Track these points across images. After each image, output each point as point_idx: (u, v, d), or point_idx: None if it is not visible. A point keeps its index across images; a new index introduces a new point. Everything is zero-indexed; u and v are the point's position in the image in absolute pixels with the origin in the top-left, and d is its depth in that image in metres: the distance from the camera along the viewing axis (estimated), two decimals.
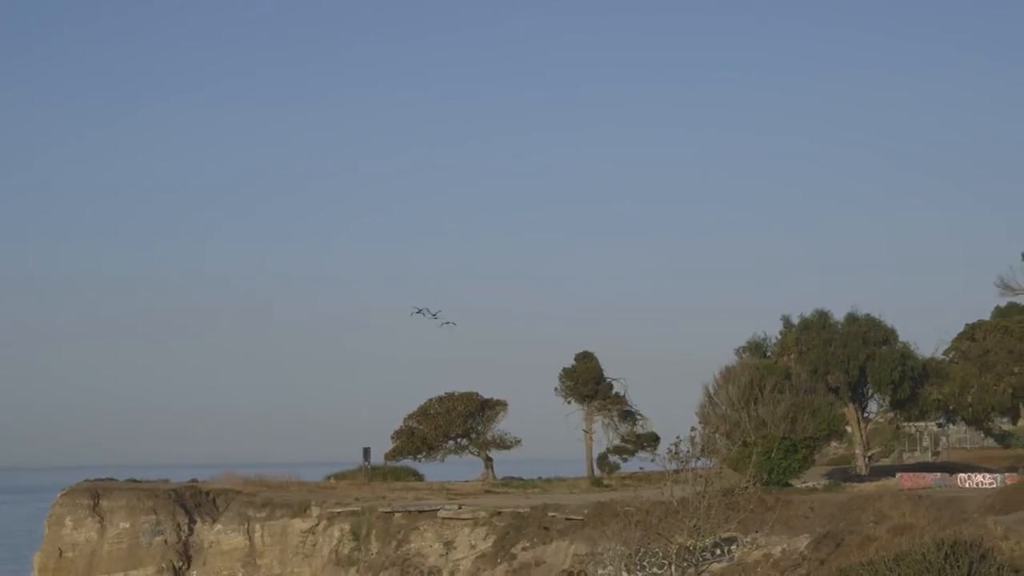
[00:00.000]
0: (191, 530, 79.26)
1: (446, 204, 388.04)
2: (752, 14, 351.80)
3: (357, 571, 73.13)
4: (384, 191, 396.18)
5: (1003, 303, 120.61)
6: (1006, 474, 71.12)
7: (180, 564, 78.13)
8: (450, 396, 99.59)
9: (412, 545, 71.75)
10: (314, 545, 76.01)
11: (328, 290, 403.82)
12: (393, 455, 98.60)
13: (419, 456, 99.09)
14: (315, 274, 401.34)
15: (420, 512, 73.08)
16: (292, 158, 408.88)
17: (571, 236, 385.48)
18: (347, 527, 74.59)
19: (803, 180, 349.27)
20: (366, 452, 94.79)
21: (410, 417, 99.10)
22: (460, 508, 72.33)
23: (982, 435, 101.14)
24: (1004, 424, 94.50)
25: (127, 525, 78.90)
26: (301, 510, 77.91)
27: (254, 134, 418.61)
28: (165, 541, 78.08)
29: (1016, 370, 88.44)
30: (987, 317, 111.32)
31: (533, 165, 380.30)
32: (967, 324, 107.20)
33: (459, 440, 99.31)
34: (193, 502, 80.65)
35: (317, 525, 76.39)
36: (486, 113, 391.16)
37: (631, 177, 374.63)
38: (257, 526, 78.32)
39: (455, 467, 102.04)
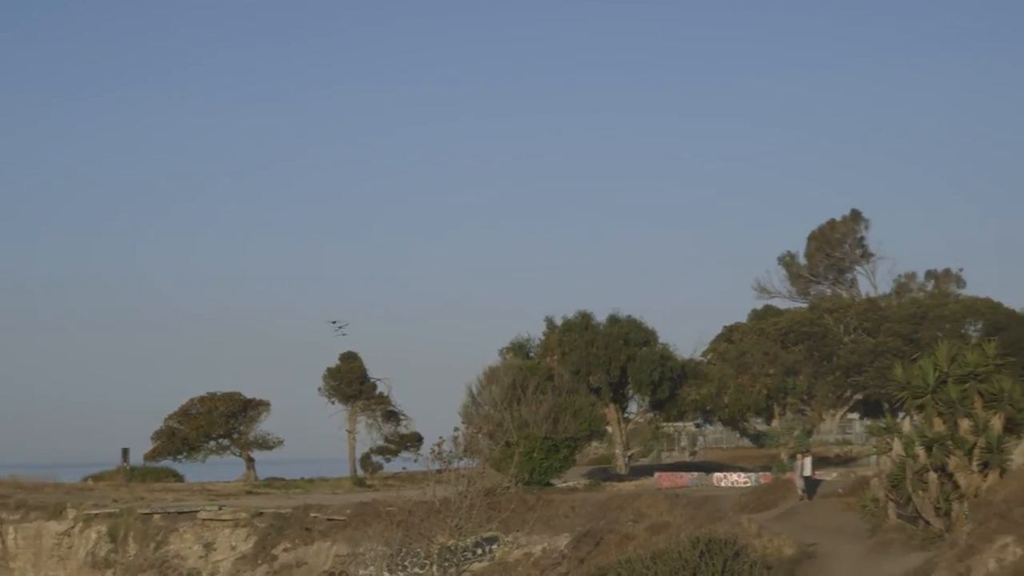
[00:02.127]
0: None
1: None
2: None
3: (114, 573, 71.66)
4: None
5: (759, 306, 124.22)
6: (760, 473, 72.82)
7: None
8: (212, 396, 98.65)
9: (171, 547, 70.65)
10: (70, 548, 74.28)
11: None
12: (153, 456, 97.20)
13: (179, 457, 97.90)
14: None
15: (180, 513, 72.01)
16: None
17: (340, 233, 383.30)
18: (104, 529, 73.09)
19: (564, 183, 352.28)
20: (125, 453, 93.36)
21: (171, 417, 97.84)
22: (220, 509, 71.50)
23: (738, 435, 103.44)
24: (759, 424, 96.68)
25: None
26: (57, 512, 75.99)
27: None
28: None
29: (771, 371, 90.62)
30: (744, 319, 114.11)
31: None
32: (725, 326, 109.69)
33: (220, 440, 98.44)
34: None
35: (73, 527, 74.67)
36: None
37: (397, 174, 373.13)
38: (10, 529, 76.12)
39: (216, 468, 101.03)
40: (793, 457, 62.76)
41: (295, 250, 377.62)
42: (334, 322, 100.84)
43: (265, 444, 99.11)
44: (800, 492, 55.93)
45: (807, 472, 56.74)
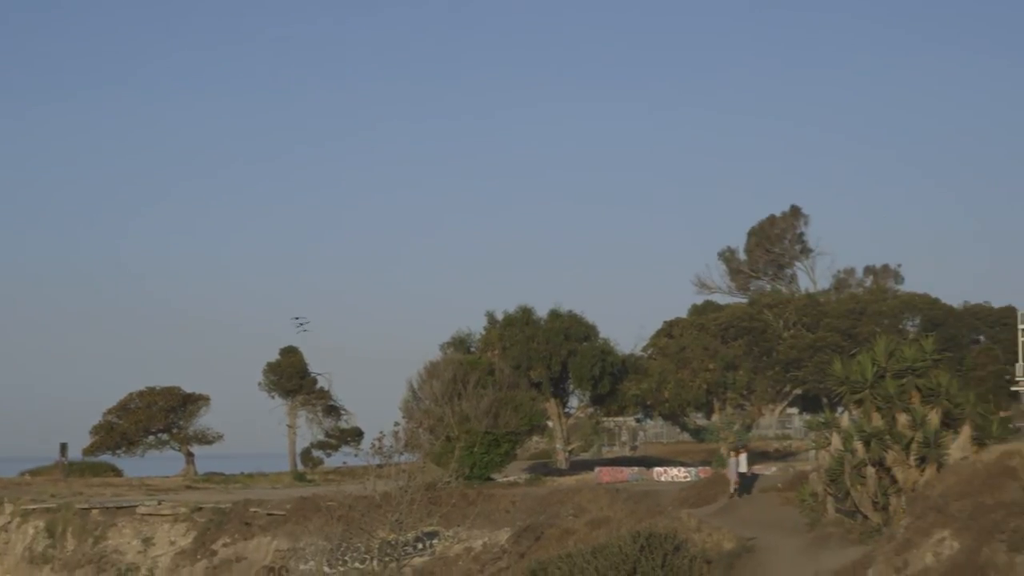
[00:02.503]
0: None
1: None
2: None
3: (52, 569, 71.27)
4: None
5: (700, 301, 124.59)
6: (700, 468, 73.12)
7: None
8: (151, 390, 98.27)
9: (110, 542, 70.32)
10: (7, 543, 73.77)
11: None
12: (91, 450, 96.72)
13: (118, 451, 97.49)
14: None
15: (118, 508, 71.68)
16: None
17: (283, 230, 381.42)
18: (42, 524, 72.64)
19: (505, 178, 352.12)
20: (63, 447, 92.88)
21: (110, 412, 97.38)
22: (160, 504, 71.22)
23: (678, 430, 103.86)
24: (699, 419, 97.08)
25: None
26: None
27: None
28: None
29: (711, 366, 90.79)
30: (685, 315, 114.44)
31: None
32: (665, 321, 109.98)
33: (160, 435, 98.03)
34: None
35: (10, 522, 74.19)
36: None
37: (332, 173, 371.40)
38: None
39: (155, 462, 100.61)
40: (728, 454, 62.98)
41: (240, 245, 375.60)
42: (296, 318, 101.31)
43: (205, 439, 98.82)
44: (732, 489, 55.97)
45: (743, 468, 56.90)
